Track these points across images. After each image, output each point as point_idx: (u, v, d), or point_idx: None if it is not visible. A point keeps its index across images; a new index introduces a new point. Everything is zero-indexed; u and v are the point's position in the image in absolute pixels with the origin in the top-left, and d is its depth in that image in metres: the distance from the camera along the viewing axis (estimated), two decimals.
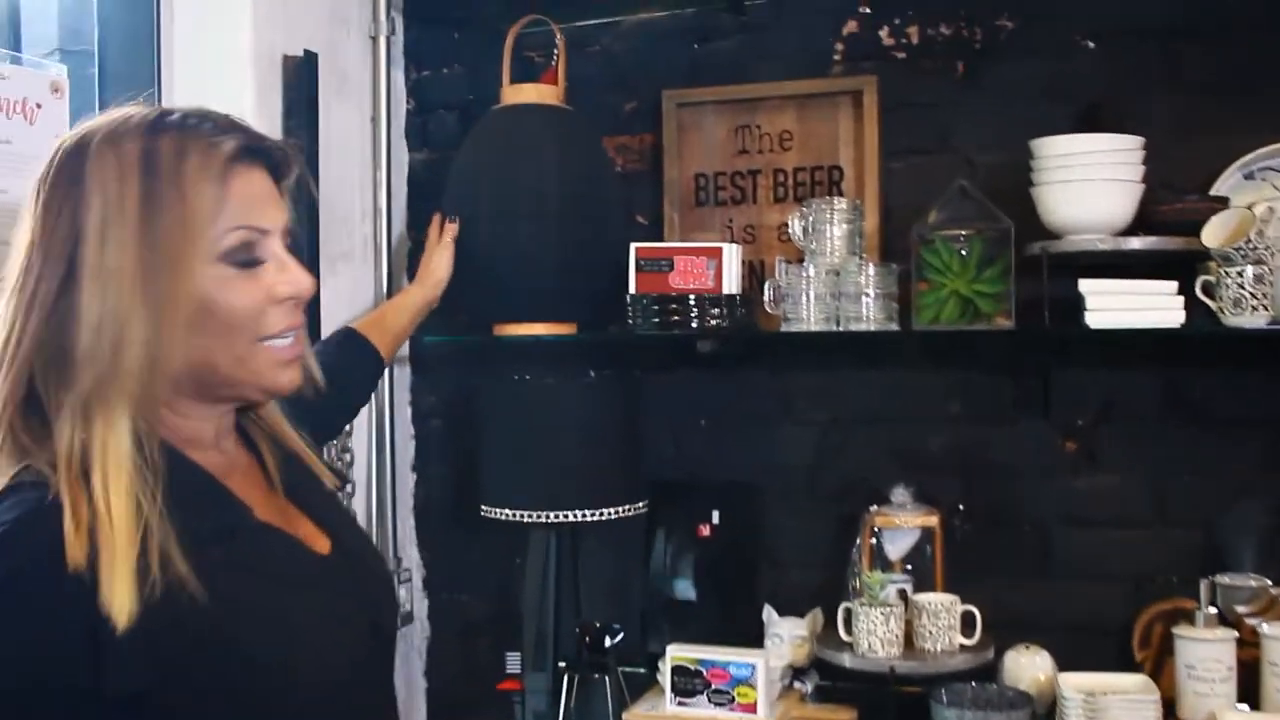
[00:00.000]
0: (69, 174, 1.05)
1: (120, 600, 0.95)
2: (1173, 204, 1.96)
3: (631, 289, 2.14)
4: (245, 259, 1.08)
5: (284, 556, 1.14)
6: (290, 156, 1.16)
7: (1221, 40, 2.13)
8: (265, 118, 2.17)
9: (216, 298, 1.06)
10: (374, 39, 2.45)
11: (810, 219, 2.09)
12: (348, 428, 2.32)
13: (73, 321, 1.01)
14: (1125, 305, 1.91)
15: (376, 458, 2.46)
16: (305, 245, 2.17)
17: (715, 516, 2.35)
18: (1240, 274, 1.81)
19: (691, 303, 2.10)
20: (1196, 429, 2.15)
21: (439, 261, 2.18)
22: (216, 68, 2.16)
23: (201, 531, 1.03)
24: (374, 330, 2.00)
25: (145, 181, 1.03)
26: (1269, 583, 2.02)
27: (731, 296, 2.11)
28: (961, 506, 2.26)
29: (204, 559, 1.01)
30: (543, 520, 2.13)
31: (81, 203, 1.03)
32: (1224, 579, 2.03)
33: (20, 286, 1.04)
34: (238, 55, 2.15)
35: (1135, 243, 1.93)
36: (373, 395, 2.15)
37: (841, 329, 2.03)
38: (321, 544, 1.19)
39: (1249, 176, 2.10)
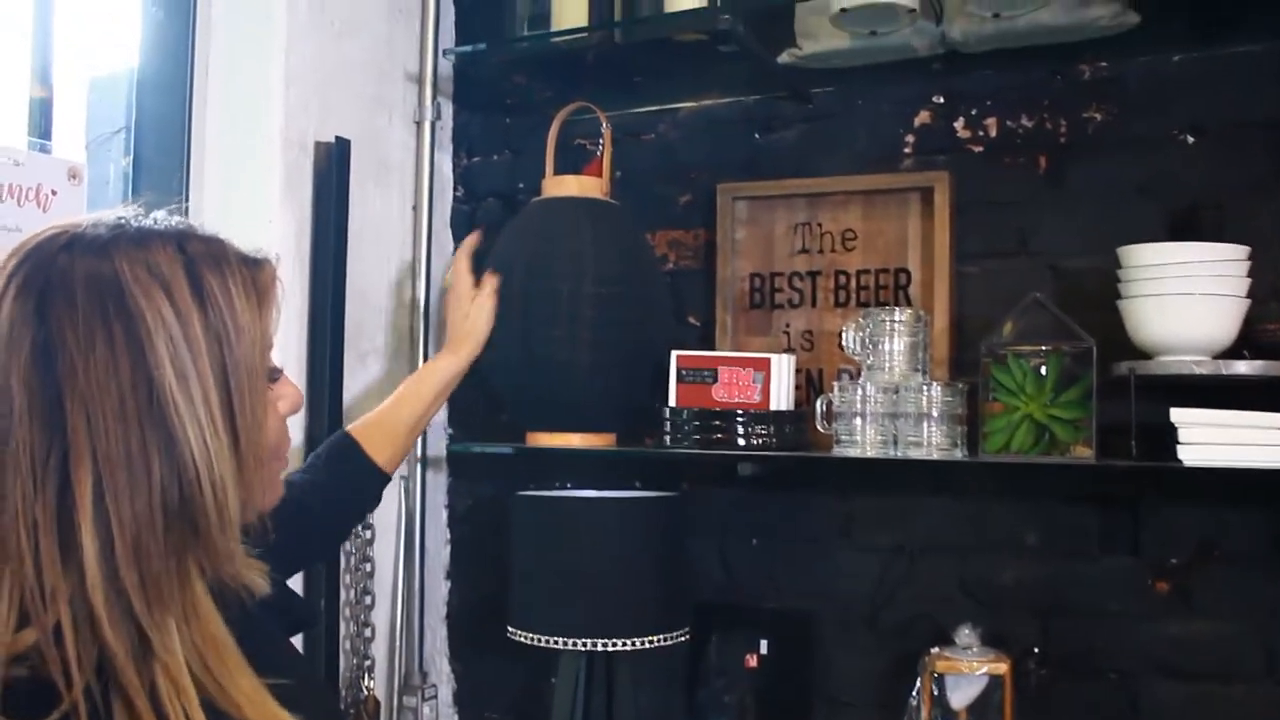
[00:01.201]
0: (110, 302, 0.89)
1: None
2: None
3: (671, 401, 1.96)
4: (272, 378, 1.02)
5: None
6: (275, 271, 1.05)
7: None
8: (294, 204, 2.07)
9: (269, 417, 1.01)
10: (418, 124, 2.34)
11: (868, 330, 1.89)
12: (369, 534, 2.18)
13: (157, 472, 0.87)
14: (1226, 439, 1.67)
15: (404, 565, 2.31)
16: (329, 338, 2.05)
17: (764, 646, 2.15)
18: None
19: (737, 418, 1.92)
20: None
21: (477, 318, 1.94)
22: (246, 154, 2.07)
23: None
24: (377, 432, 1.77)
25: (206, 313, 0.93)
26: None
27: (780, 413, 1.92)
28: (1036, 650, 2.02)
29: None
30: (572, 649, 1.95)
31: (141, 335, 0.89)
32: None
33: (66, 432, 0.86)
34: (268, 141, 2.06)
35: (1240, 367, 1.70)
36: (375, 508, 1.89)
37: (900, 455, 1.82)
38: None
39: None
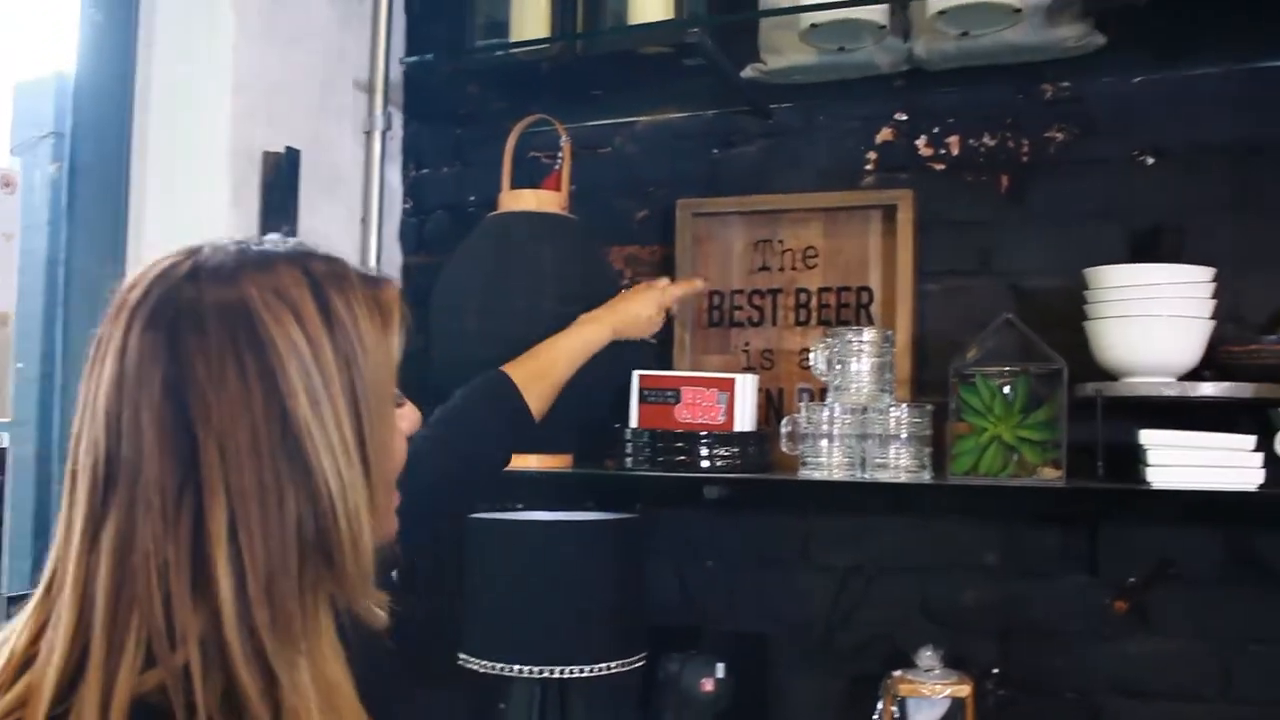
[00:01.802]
0: (241, 331, 0.85)
1: None
2: (1244, 344, 1.73)
3: (633, 422, 1.92)
4: (397, 399, 0.98)
5: None
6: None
7: None
8: (241, 215, 2.00)
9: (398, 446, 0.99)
10: (368, 134, 2.27)
11: (835, 350, 1.87)
12: None
13: (292, 505, 0.84)
14: (1194, 461, 1.67)
15: None
16: None
17: (720, 670, 2.11)
18: None
19: (700, 440, 1.88)
20: (1265, 592, 1.90)
21: (635, 297, 1.90)
22: (191, 163, 1.99)
23: None
24: (534, 381, 1.70)
25: (335, 335, 0.88)
26: None
27: (744, 434, 1.89)
28: (996, 670, 2.01)
29: None
30: (525, 675, 1.90)
31: (273, 364, 0.85)
32: None
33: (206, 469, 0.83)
34: (214, 150, 1.99)
35: (1206, 388, 1.71)
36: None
37: (867, 477, 1.80)
38: None
39: None
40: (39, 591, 0.85)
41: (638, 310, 1.89)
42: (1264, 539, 1.90)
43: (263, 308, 0.85)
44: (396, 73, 2.30)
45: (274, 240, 0.93)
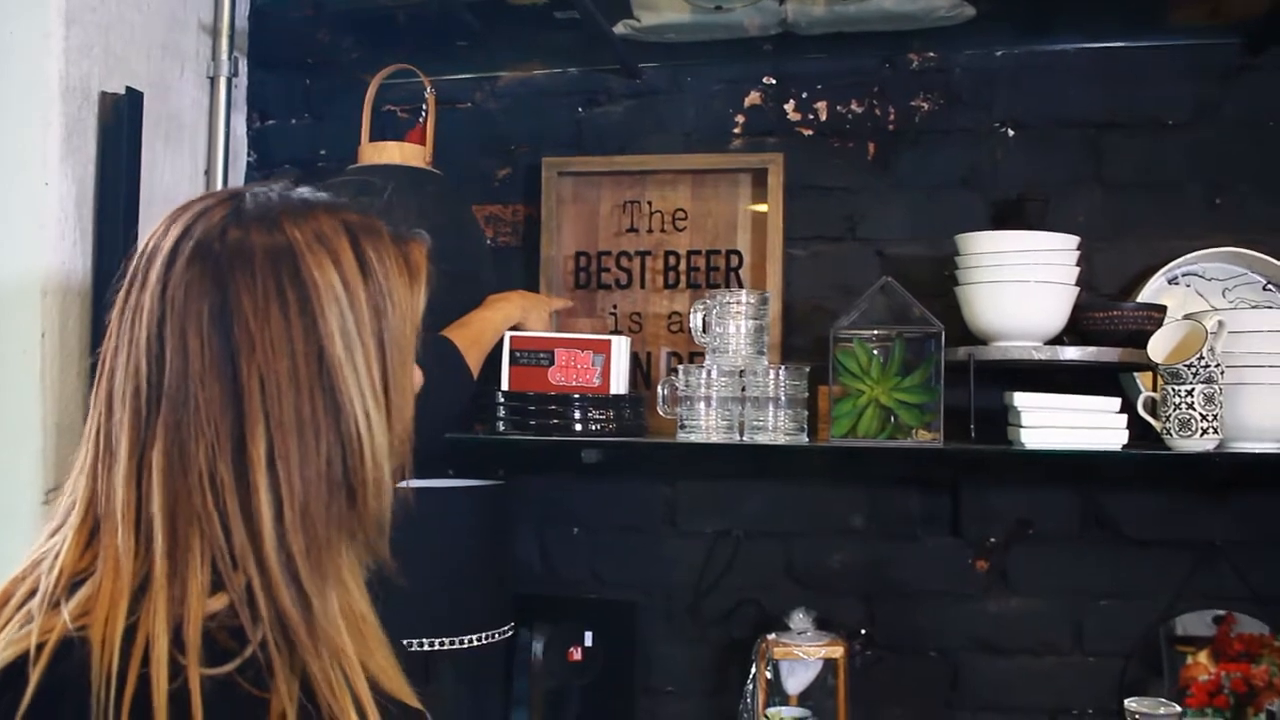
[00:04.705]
0: (285, 272, 0.89)
1: None
2: (1106, 310, 1.79)
3: (504, 384, 1.86)
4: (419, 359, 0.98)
5: None
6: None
7: (1146, 136, 1.99)
8: (76, 163, 1.84)
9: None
10: (212, 80, 2.13)
11: (713, 312, 1.85)
12: None
13: (325, 441, 0.87)
14: (1064, 422, 1.72)
15: None
16: None
17: (588, 638, 2.07)
18: (1190, 393, 1.64)
19: (574, 403, 1.83)
20: (1115, 550, 1.98)
21: (540, 299, 1.97)
22: (15, 101, 1.81)
23: None
24: (471, 346, 1.72)
25: (368, 284, 0.91)
26: (1178, 709, 1.85)
27: (619, 397, 1.85)
28: (863, 631, 2.04)
29: None
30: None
31: (314, 304, 0.89)
32: (1134, 704, 1.84)
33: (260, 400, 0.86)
34: (44, 87, 1.81)
35: (1073, 352, 1.76)
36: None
37: (746, 440, 1.79)
38: None
39: (1172, 281, 1.96)
40: (77, 511, 0.88)
41: (537, 303, 1.93)
42: (1114, 498, 1.98)
43: (306, 251, 0.89)
44: (244, 15, 2.16)
45: (308, 190, 0.96)
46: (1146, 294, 1.93)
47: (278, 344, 0.86)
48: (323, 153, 2.25)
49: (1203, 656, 1.94)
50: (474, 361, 1.73)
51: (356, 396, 0.89)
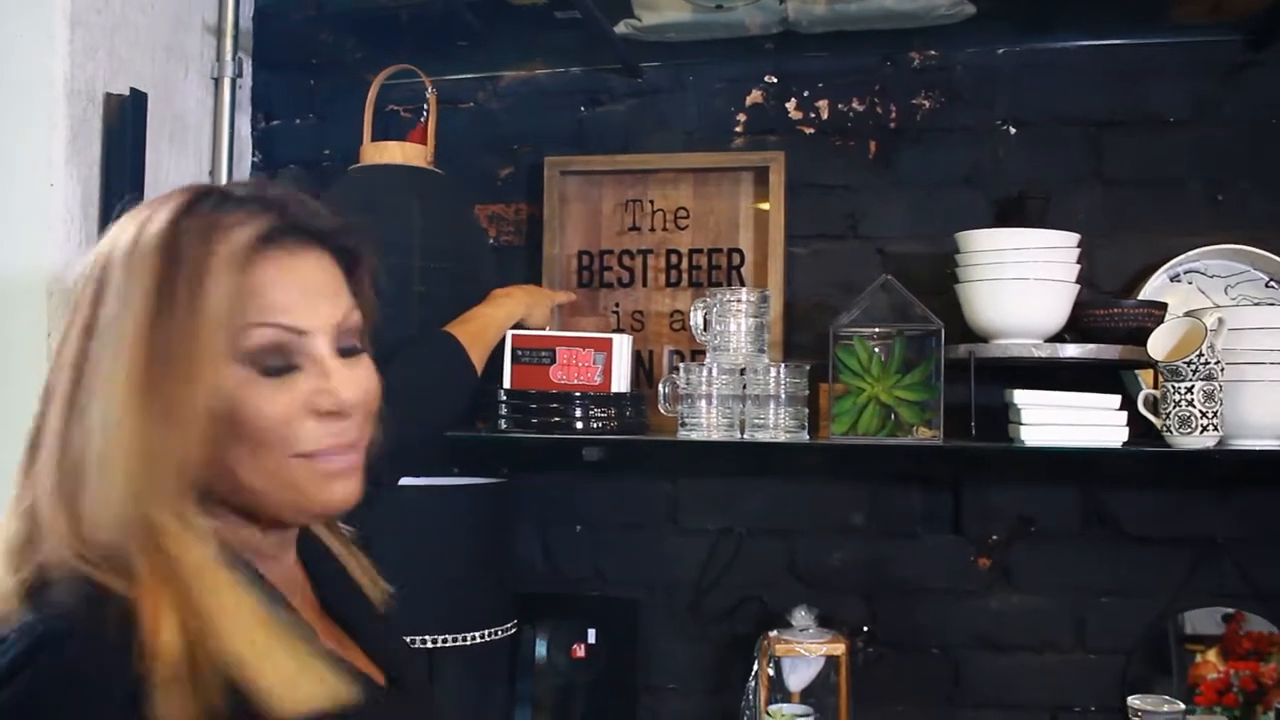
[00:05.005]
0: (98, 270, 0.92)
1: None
2: (1107, 308, 1.79)
3: (505, 383, 1.87)
4: (272, 364, 0.92)
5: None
6: (356, 241, 1.01)
7: (1147, 134, 1.99)
8: (81, 164, 1.85)
9: (239, 405, 0.90)
10: (217, 81, 2.14)
11: (714, 310, 1.85)
12: None
13: (81, 427, 0.88)
14: (1064, 420, 1.72)
15: None
16: None
17: (591, 636, 2.08)
18: (1190, 390, 1.64)
19: (575, 401, 1.84)
20: (1117, 547, 1.98)
21: (543, 294, 1.95)
22: (21, 103, 1.82)
23: None
24: (474, 341, 1.72)
25: (164, 271, 0.88)
26: (1181, 706, 1.85)
27: (620, 395, 1.86)
28: (865, 629, 2.04)
29: None
30: None
31: (101, 297, 0.90)
32: (1137, 701, 1.84)
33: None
34: (49, 88, 1.82)
35: (1073, 350, 1.76)
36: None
37: (746, 437, 1.79)
38: (377, 675, 1.03)
39: (1174, 279, 1.96)
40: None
41: (539, 298, 1.91)
42: (1116, 495, 1.98)
43: (129, 241, 0.91)
44: (248, 16, 2.18)
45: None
46: (1148, 291, 1.93)
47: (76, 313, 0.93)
48: (326, 153, 2.26)
49: (1211, 655, 1.94)
50: (477, 357, 1.72)
51: (104, 376, 0.89)
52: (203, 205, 0.92)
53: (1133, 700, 1.79)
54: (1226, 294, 1.95)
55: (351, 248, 1.00)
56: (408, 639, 1.77)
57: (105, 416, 0.86)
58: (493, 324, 1.80)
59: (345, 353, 0.96)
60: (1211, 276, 1.96)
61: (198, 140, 2.12)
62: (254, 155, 2.30)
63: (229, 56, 2.13)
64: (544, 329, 1.92)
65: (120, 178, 1.88)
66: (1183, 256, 1.93)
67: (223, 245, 0.89)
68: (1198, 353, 1.64)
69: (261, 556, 0.97)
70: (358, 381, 0.96)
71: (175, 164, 2.06)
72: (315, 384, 0.93)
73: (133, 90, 1.90)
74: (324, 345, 0.94)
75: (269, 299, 0.91)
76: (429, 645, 1.84)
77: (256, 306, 0.90)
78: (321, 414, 0.93)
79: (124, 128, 1.88)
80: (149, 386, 0.86)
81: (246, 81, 2.26)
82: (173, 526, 0.86)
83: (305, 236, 0.96)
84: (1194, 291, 1.96)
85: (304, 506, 0.95)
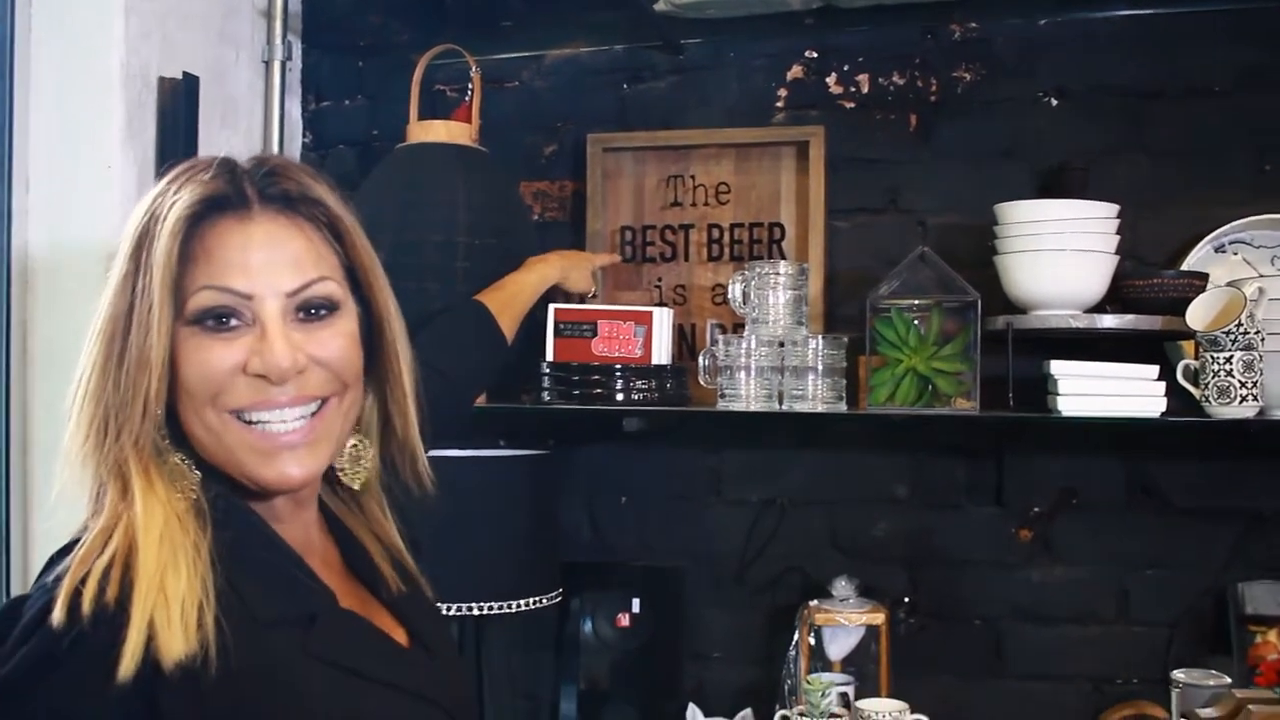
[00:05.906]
0: None
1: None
2: (1147, 279, 1.79)
3: (549, 355, 1.90)
4: (214, 324, 0.97)
5: (364, 649, 1.02)
6: (327, 210, 1.02)
7: (1190, 104, 1.98)
8: (136, 146, 1.91)
9: (182, 358, 0.96)
10: (267, 64, 2.19)
11: (752, 283, 1.87)
12: None
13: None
14: (1101, 390, 1.73)
15: None
16: None
17: (635, 605, 2.12)
18: (1229, 360, 1.64)
19: (616, 374, 1.87)
20: (1162, 519, 1.98)
21: (580, 257, 1.98)
22: (80, 88, 1.89)
23: (280, 613, 0.95)
24: (505, 309, 1.75)
25: (138, 238, 0.96)
26: (1228, 680, 1.84)
27: (661, 367, 1.88)
28: (906, 599, 2.06)
29: (278, 644, 0.93)
30: (442, 613, 1.87)
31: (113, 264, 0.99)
32: (1181, 675, 1.84)
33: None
34: (106, 74, 1.89)
35: (1110, 320, 1.76)
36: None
37: (785, 408, 1.81)
38: (400, 637, 1.08)
39: (1219, 249, 1.95)
40: None
41: (577, 261, 1.94)
42: (1160, 467, 1.97)
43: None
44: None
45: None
46: (1192, 262, 1.91)
47: None
48: (375, 133, 2.30)
49: (1273, 635, 1.93)
50: (507, 325, 1.74)
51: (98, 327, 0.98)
52: (180, 177, 0.99)
53: (1176, 674, 1.79)
54: (1273, 264, 1.93)
55: (324, 216, 1.02)
56: (456, 606, 1.83)
57: (83, 361, 0.97)
58: (525, 289, 1.82)
59: (310, 316, 0.99)
60: (1258, 247, 1.94)
61: (249, 122, 2.18)
62: (304, 136, 2.35)
63: (279, 39, 2.18)
64: (588, 291, 1.94)
65: (174, 159, 1.92)
66: (1228, 227, 1.92)
67: (170, 212, 0.95)
68: (1237, 322, 1.63)
69: (275, 518, 1.02)
70: (321, 343, 0.99)
71: (227, 145, 2.11)
72: (253, 345, 0.97)
73: (185, 74, 1.96)
74: (272, 308, 0.97)
75: (215, 263, 0.96)
76: (477, 613, 1.88)
77: (205, 270, 0.96)
78: (251, 374, 0.97)
79: (177, 111, 1.94)
80: (113, 336, 0.95)
81: (296, 64, 2.31)
82: (135, 463, 0.94)
83: (268, 203, 0.99)
84: (1239, 263, 1.94)
85: (248, 474, 0.99)
